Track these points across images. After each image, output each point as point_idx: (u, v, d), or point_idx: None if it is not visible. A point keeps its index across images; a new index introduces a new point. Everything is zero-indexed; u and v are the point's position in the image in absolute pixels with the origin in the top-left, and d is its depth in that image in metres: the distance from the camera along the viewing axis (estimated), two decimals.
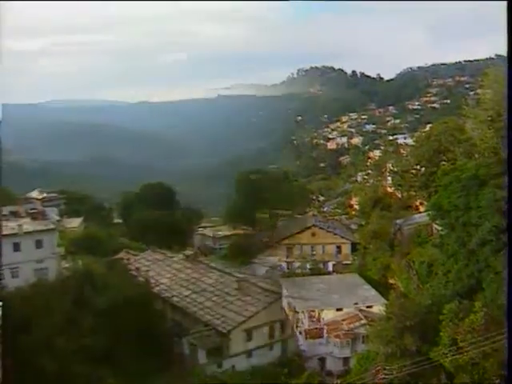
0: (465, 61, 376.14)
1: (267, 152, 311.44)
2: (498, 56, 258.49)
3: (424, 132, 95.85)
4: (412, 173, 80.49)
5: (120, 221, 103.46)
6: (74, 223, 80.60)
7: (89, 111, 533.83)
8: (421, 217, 68.50)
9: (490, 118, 58.45)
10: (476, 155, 62.63)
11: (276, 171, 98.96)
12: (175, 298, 49.15)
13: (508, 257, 31.84)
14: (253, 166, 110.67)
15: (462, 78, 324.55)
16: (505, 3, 23.00)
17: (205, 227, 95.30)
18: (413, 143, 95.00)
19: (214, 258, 71.67)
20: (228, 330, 42.19)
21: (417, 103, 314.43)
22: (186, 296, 49.19)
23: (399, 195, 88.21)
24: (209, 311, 45.70)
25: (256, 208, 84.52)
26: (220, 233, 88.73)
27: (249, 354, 42.94)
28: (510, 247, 31.36)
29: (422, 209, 78.48)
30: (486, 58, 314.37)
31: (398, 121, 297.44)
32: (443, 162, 70.82)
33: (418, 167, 79.00)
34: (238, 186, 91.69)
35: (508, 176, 29.43)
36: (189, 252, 62.06)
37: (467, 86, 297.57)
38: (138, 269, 54.15)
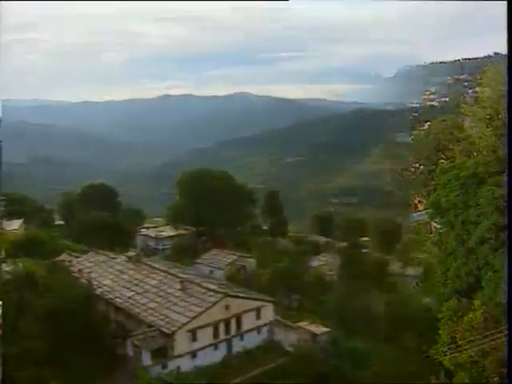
0: (463, 59, 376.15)
1: (214, 151, 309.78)
2: (497, 54, 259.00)
3: (423, 130, 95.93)
4: (410, 171, 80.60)
5: (61, 222, 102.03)
6: (14, 225, 78.08)
7: (31, 111, 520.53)
8: (420, 215, 68.59)
9: (488, 116, 58.34)
10: (475, 153, 62.54)
11: (219, 171, 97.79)
12: (118, 300, 48.33)
13: (508, 255, 31.83)
14: (198, 165, 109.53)
15: (461, 76, 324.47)
16: (505, 3, 23.03)
17: (148, 228, 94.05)
18: (411, 141, 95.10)
19: (157, 258, 71.08)
20: (172, 330, 41.73)
21: (415, 101, 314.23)
22: (129, 297, 48.46)
23: (398, 193, 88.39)
24: (152, 312, 45.11)
25: (199, 207, 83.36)
26: (163, 233, 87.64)
27: (193, 354, 42.69)
28: (509, 245, 31.34)
29: (420, 207, 78.61)
30: (485, 56, 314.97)
31: (396, 119, 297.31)
32: (442, 160, 70.85)
33: (417, 165, 79.09)
34: (180, 185, 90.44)
35: (508, 174, 29.46)
36: (131, 253, 61.25)
37: (466, 84, 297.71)
38: (80, 270, 53.40)
